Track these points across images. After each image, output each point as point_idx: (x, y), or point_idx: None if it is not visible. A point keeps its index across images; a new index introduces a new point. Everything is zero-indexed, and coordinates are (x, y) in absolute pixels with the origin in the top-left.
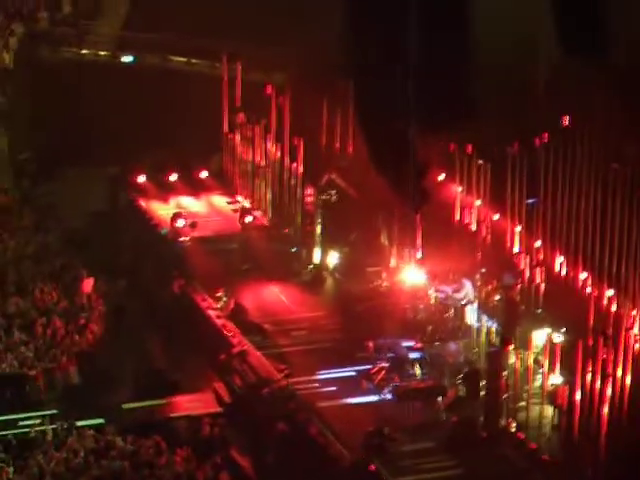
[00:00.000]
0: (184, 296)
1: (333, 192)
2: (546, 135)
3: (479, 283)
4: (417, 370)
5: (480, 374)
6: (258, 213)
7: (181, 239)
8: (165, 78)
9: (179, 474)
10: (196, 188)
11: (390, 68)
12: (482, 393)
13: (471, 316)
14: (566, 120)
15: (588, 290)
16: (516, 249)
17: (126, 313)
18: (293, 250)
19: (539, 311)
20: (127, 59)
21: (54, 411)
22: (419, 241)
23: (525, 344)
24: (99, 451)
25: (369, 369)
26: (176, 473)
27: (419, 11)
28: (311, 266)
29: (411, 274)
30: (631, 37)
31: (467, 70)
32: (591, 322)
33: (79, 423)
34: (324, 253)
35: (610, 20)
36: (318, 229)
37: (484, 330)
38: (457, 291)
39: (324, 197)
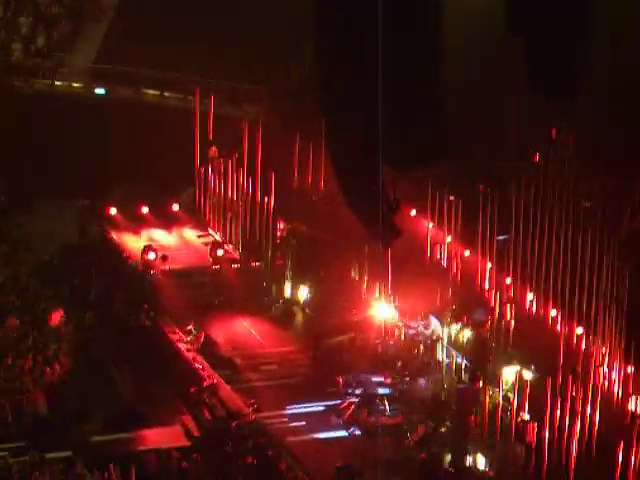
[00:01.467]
0: (154, 329)
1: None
2: (518, 174)
3: (449, 319)
4: (386, 406)
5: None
6: (229, 247)
7: (152, 272)
8: (138, 111)
9: None
10: (167, 221)
11: (363, 107)
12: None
13: (441, 352)
14: (537, 158)
15: (558, 328)
16: (487, 285)
17: (95, 345)
18: (264, 284)
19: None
20: (100, 91)
21: (21, 443)
22: (389, 277)
23: (495, 381)
24: None
25: (338, 404)
26: None
27: (393, 52)
28: (281, 302)
29: (381, 309)
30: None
31: (439, 109)
32: (561, 359)
33: (47, 456)
34: (295, 288)
35: (580, 65)
36: (289, 264)
37: (454, 367)
38: (425, 327)
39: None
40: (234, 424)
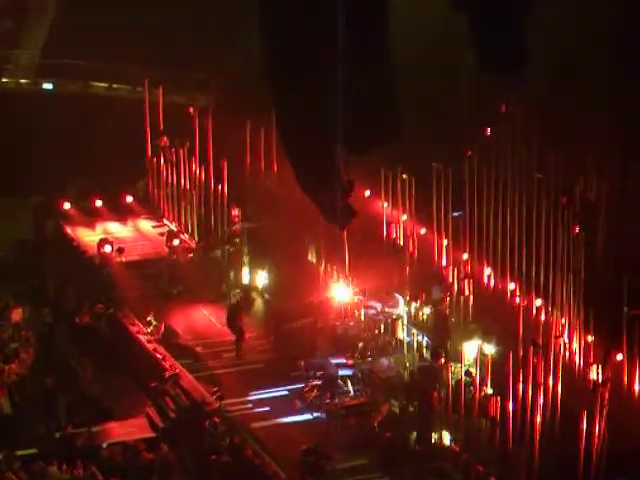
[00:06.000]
0: (114, 321)
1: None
2: (469, 149)
3: (408, 298)
4: (349, 387)
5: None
6: (185, 236)
7: (109, 264)
8: (87, 104)
9: None
10: (122, 213)
11: (313, 89)
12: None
13: (401, 331)
14: (487, 132)
15: (517, 300)
16: (444, 262)
17: (55, 341)
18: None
19: (472, 326)
20: (47, 86)
21: None
22: (347, 258)
23: (456, 357)
24: None
25: (302, 388)
26: None
27: (340, 34)
28: (237, 291)
29: (340, 291)
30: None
31: (389, 89)
32: (521, 332)
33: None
34: (252, 274)
35: (525, 36)
36: (245, 250)
37: (415, 345)
38: (393, 307)
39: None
40: (199, 414)
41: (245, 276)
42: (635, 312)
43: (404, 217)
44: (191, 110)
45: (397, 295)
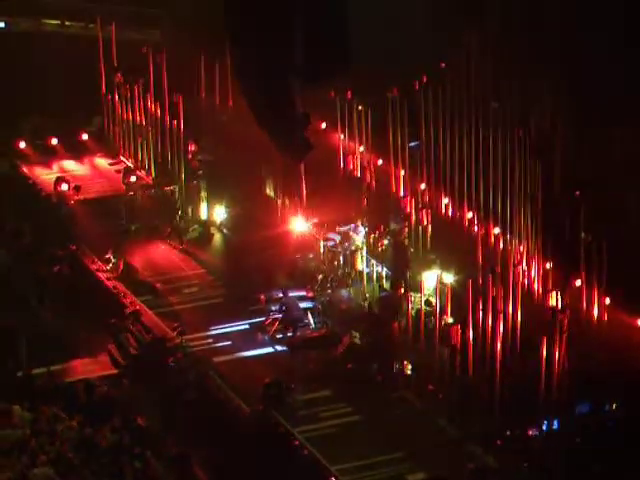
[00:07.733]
0: (73, 260)
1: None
2: (424, 77)
3: (367, 229)
4: (310, 319)
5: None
6: (142, 172)
7: (66, 203)
8: (41, 42)
9: (79, 439)
10: (78, 151)
11: (268, 25)
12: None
13: (361, 262)
14: (443, 63)
15: (475, 229)
16: (402, 193)
17: (14, 281)
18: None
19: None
20: (0, 25)
21: None
22: (304, 191)
23: (416, 287)
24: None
25: (263, 321)
26: (76, 438)
27: None
28: (196, 226)
29: (299, 224)
30: None
31: (340, 20)
32: (480, 260)
33: None
34: (210, 209)
35: None
36: (203, 185)
37: (374, 275)
38: (355, 239)
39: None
40: (161, 350)
41: (203, 211)
42: None
43: (361, 148)
44: (147, 48)
45: (360, 227)
